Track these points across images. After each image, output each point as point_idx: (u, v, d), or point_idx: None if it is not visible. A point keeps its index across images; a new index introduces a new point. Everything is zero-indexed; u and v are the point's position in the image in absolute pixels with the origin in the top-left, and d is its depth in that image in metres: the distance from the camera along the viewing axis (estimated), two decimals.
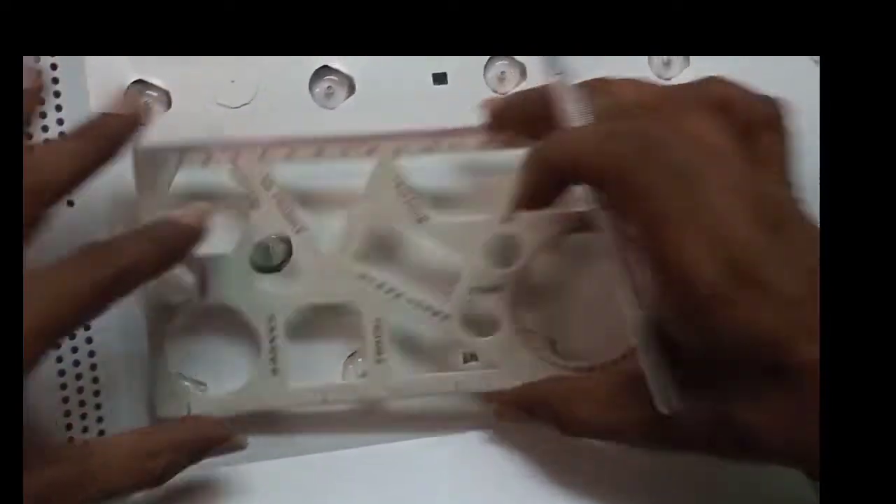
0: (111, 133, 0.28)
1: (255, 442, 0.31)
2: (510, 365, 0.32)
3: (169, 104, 0.32)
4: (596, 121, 0.28)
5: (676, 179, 0.25)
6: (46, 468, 0.25)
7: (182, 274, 0.31)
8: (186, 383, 0.32)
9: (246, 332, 0.32)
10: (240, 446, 0.31)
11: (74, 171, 0.27)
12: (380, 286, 0.32)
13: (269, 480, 0.32)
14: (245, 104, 0.33)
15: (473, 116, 0.32)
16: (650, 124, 0.26)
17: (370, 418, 0.33)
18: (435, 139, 0.32)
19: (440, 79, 0.34)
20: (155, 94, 0.33)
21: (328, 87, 0.33)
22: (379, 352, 0.32)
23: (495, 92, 0.34)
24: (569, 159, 0.27)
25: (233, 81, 0.33)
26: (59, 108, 0.32)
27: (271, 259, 0.32)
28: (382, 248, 0.33)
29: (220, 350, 0.32)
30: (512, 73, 0.34)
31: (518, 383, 0.32)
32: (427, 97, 0.33)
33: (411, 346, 0.33)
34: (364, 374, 0.33)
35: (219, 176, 0.32)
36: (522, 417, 0.32)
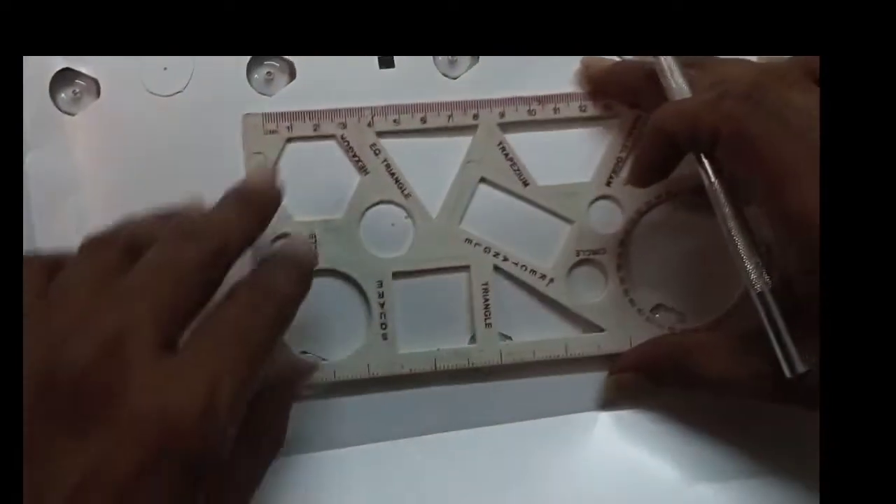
0: (267, 206, 0.27)
1: (359, 425, 0.32)
2: (617, 327, 0.32)
3: (98, 93, 0.32)
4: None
5: (793, 130, 0.25)
6: None
7: None
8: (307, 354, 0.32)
9: (356, 298, 0.32)
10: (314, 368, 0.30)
11: (247, 239, 0.26)
12: (487, 250, 0.32)
13: (372, 462, 0.32)
14: (178, 92, 0.32)
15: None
16: (761, 84, 0.27)
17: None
18: (539, 102, 0.33)
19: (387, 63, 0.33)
20: (83, 83, 0.32)
21: (268, 72, 0.32)
22: (488, 316, 0.32)
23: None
24: (686, 123, 0.27)
25: (165, 69, 0.32)
26: None
27: None
28: (488, 213, 0.33)
29: (330, 316, 0.32)
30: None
31: (626, 346, 0.32)
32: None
33: (519, 310, 0.33)
34: (473, 339, 0.32)
35: (327, 145, 0.32)
36: (643, 383, 0.32)
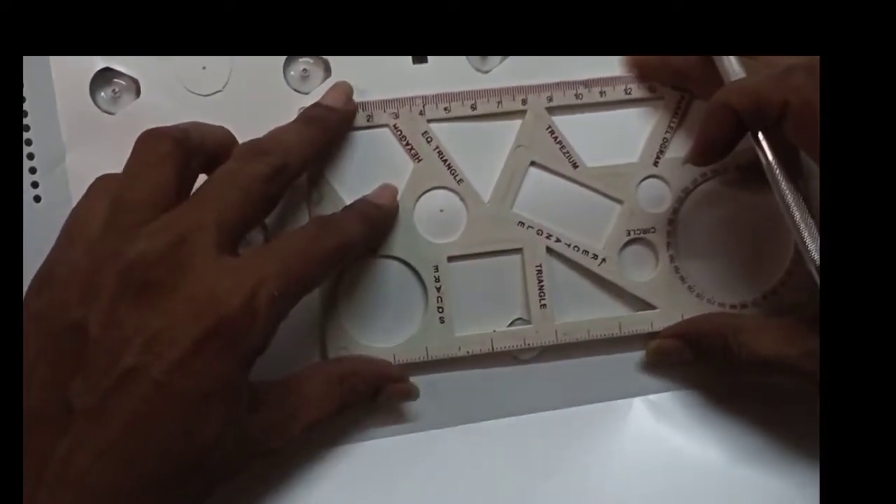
0: (333, 126, 0.30)
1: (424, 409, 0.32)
2: (669, 305, 0.33)
3: (138, 93, 0.32)
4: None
5: None
6: (255, 414, 0.27)
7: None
8: (360, 341, 0.32)
9: (413, 283, 0.33)
10: (412, 393, 0.31)
11: (307, 159, 0.29)
12: (539, 232, 0.33)
13: (439, 448, 0.32)
14: (217, 92, 0.32)
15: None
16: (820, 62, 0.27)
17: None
18: (586, 86, 0.33)
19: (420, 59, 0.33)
20: (123, 82, 0.32)
21: (303, 69, 0.32)
22: (542, 297, 0.32)
23: None
24: (751, 99, 0.27)
25: (204, 68, 0.32)
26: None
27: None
28: (539, 195, 0.33)
29: (388, 300, 0.32)
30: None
31: (679, 316, 0.33)
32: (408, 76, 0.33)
33: (572, 291, 0.33)
34: (529, 320, 0.33)
35: (381, 134, 0.32)
36: (685, 352, 0.32)
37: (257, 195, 0.26)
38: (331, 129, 0.30)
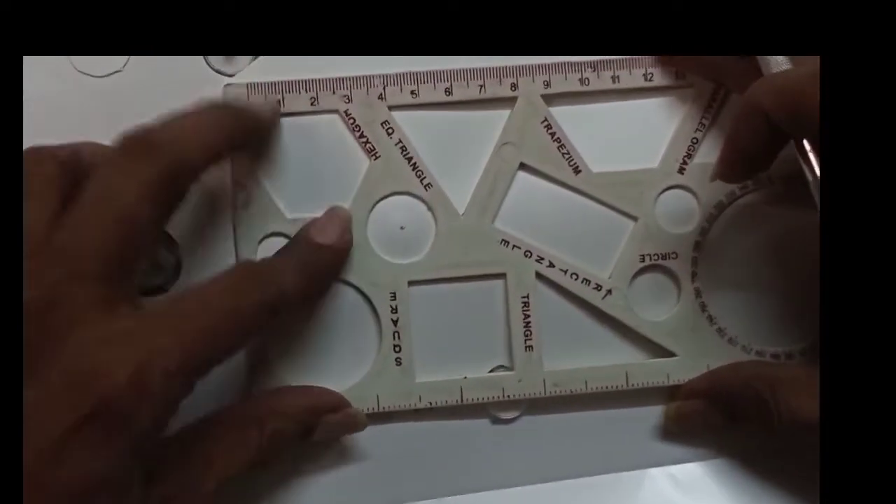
0: (322, 269, 0.28)
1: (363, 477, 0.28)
2: (692, 351, 0.29)
3: None
4: None
5: None
6: (152, 488, 0.24)
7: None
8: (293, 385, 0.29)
9: (363, 314, 0.29)
10: (357, 422, 0.28)
11: (212, 148, 0.25)
12: (528, 254, 0.29)
13: None
14: (116, 72, 0.28)
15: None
16: None
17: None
18: (594, 68, 0.29)
19: None
20: None
21: None
22: (528, 336, 0.28)
23: None
24: (790, 100, 0.24)
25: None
26: None
27: (154, 275, 0.27)
28: (529, 207, 0.29)
29: (330, 334, 0.28)
30: None
31: (704, 367, 0.29)
32: None
33: (567, 329, 0.29)
34: (510, 365, 0.29)
35: (328, 122, 0.28)
36: (714, 416, 0.28)
37: (145, 217, 0.22)
38: (319, 271, 0.27)
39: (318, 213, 0.28)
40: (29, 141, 0.24)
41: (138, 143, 0.23)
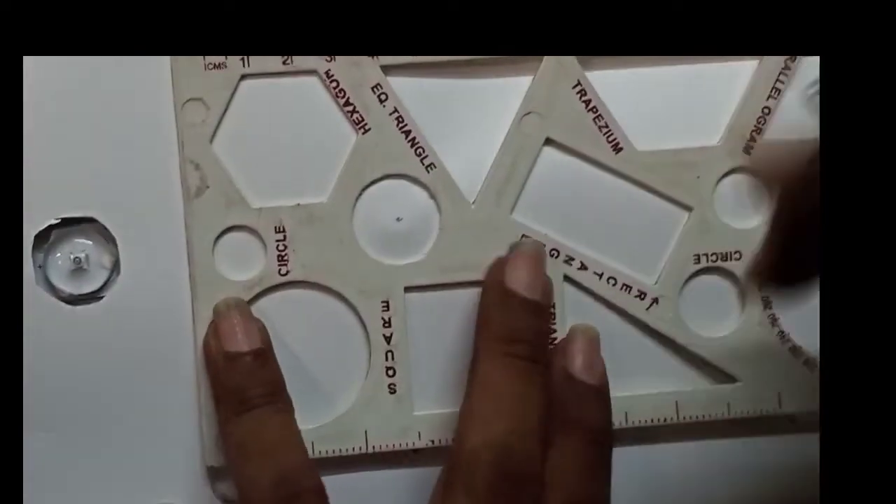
0: None
1: None
2: (758, 375, 0.26)
3: None
4: None
5: None
6: None
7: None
8: None
9: (349, 329, 0.26)
10: None
11: None
12: (554, 253, 0.26)
13: None
14: None
15: None
16: None
17: None
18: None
19: None
20: None
21: None
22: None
23: None
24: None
25: None
26: None
27: (85, 281, 0.24)
28: (557, 194, 0.26)
29: (307, 355, 0.25)
30: None
31: (773, 406, 0.26)
32: None
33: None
34: None
35: (305, 86, 0.25)
36: None
37: None
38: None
39: (291, 201, 0.24)
40: (29, 141, 0.23)
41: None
